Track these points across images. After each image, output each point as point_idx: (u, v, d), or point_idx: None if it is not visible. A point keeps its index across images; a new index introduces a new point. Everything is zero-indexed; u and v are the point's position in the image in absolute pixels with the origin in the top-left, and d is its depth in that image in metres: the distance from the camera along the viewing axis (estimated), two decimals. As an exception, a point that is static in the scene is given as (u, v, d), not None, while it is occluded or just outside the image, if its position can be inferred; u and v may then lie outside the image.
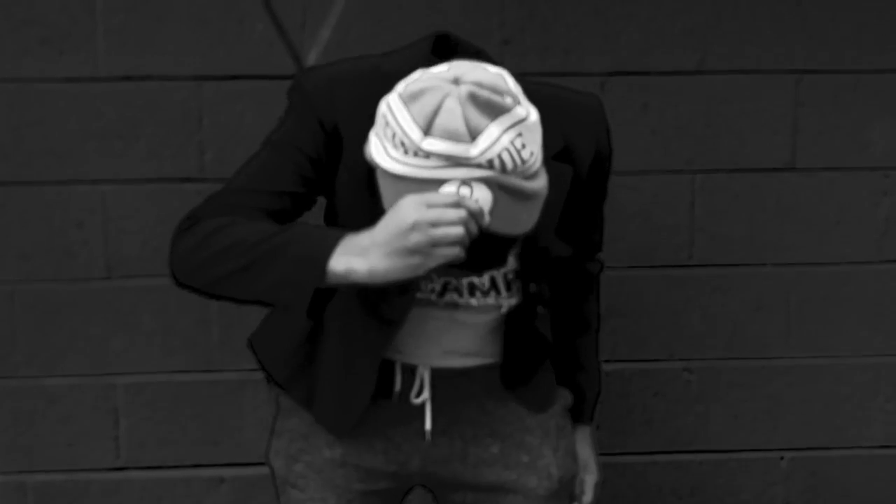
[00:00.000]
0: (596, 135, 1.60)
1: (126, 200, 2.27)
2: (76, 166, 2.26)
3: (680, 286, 2.39)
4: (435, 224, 1.29)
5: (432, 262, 1.31)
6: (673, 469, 2.45)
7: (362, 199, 1.50)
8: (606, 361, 2.40)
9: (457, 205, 1.30)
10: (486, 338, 1.65)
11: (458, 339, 1.62)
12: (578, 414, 1.80)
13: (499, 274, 1.59)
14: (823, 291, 2.42)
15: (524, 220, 1.36)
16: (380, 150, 1.36)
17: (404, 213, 1.30)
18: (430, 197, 1.30)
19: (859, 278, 2.42)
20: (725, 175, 2.36)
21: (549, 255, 1.59)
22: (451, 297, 1.58)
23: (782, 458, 2.47)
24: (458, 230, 1.29)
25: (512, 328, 1.64)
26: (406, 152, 1.33)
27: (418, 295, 1.58)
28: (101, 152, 2.26)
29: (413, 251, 1.30)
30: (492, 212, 1.33)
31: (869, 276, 2.41)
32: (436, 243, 1.29)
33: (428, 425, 1.62)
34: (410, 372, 1.63)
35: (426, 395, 1.62)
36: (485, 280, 1.58)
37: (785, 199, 2.38)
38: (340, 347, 1.59)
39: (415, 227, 1.29)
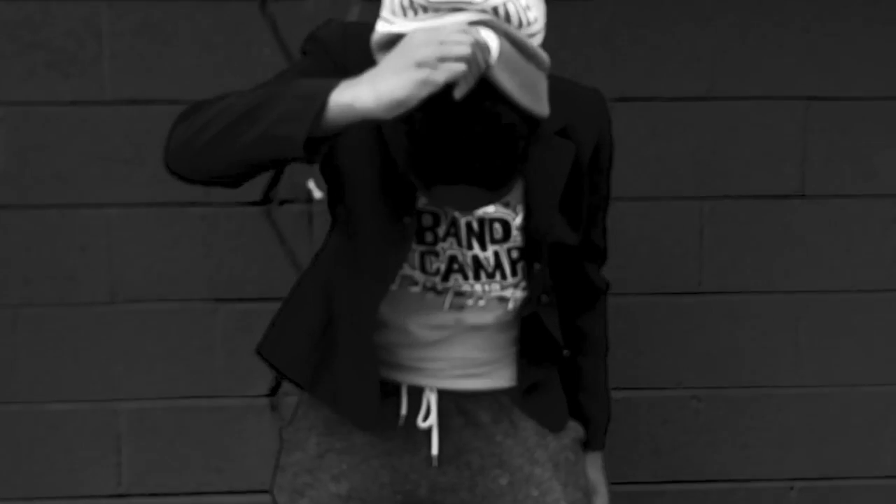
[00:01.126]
0: (598, 123, 1.62)
1: (130, 224, 2.26)
2: (80, 190, 2.25)
3: (688, 313, 2.37)
4: (443, 42, 1.27)
5: (440, 77, 1.26)
6: (682, 499, 2.42)
7: (368, 146, 1.47)
8: (614, 389, 2.37)
9: (464, 31, 1.29)
10: (495, 346, 1.61)
11: (466, 348, 1.59)
12: (589, 440, 1.77)
13: (503, 250, 1.56)
14: (833, 319, 2.40)
15: (530, 86, 1.34)
16: (383, 25, 1.37)
17: (411, 36, 1.30)
18: (437, 25, 1.31)
19: (869, 306, 2.40)
20: (734, 202, 2.35)
21: (552, 230, 1.56)
22: (456, 280, 1.54)
23: (792, 487, 2.44)
24: (465, 48, 1.27)
25: (524, 326, 1.61)
26: (414, 11, 1.34)
27: (421, 280, 1.54)
28: (106, 176, 2.25)
29: (420, 64, 1.26)
30: (497, 59, 1.31)
31: (879, 303, 2.40)
32: (443, 57, 1.26)
33: (434, 450, 1.60)
34: (417, 395, 1.61)
35: (433, 419, 1.59)
36: (489, 255, 1.55)
37: (794, 226, 2.37)
38: (346, 331, 1.57)
39: (423, 43, 1.27)
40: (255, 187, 2.27)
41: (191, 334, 2.30)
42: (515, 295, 1.59)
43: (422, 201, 1.53)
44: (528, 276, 1.58)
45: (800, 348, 2.40)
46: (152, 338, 2.29)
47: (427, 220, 1.54)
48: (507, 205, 1.55)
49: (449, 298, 1.57)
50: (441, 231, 1.55)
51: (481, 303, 1.58)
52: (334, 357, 1.59)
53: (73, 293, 2.27)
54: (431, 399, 1.60)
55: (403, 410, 1.60)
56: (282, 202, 2.27)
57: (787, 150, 2.34)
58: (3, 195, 2.24)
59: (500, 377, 1.64)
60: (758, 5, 2.31)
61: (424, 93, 1.27)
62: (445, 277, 1.56)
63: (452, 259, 1.56)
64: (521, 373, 1.65)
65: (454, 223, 1.55)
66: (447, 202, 1.37)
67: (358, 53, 1.45)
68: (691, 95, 2.32)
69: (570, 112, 1.58)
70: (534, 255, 1.57)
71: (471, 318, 1.58)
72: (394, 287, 1.55)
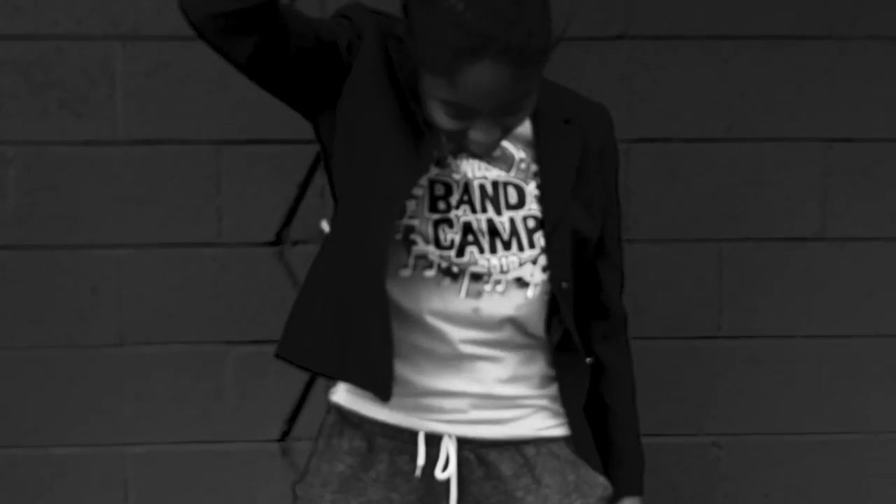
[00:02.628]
0: (603, 126, 1.63)
1: (141, 266, 2.25)
2: (91, 230, 2.24)
3: (708, 358, 2.34)
4: None
5: None
6: (702, 549, 2.38)
7: (383, 88, 1.46)
8: (632, 436, 2.35)
9: None
10: (517, 379, 1.56)
11: (487, 382, 1.53)
12: (626, 485, 1.70)
13: (518, 217, 1.53)
14: (856, 364, 2.37)
15: None
16: None
17: None
18: None
19: (893, 351, 2.37)
20: (753, 244, 2.33)
21: (567, 211, 1.54)
22: (472, 255, 1.50)
23: (815, 538, 2.40)
24: None
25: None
26: None
27: (436, 259, 1.50)
28: (118, 216, 2.24)
29: None
30: None
31: (903, 349, 2.37)
32: None
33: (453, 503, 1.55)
34: (435, 443, 1.56)
35: (452, 469, 1.54)
36: (504, 221, 1.52)
37: (815, 269, 2.35)
38: (356, 286, 1.50)
39: None
40: (268, 228, 2.26)
41: (201, 377, 2.28)
42: (535, 278, 1.54)
43: (433, 170, 1.51)
44: (549, 255, 1.54)
45: (822, 394, 2.37)
46: (161, 381, 2.27)
47: (439, 190, 1.52)
48: (520, 170, 1.55)
49: (465, 284, 1.52)
50: (454, 199, 1.52)
51: (499, 288, 1.53)
52: (350, 331, 1.54)
53: (81, 335, 2.25)
54: (450, 448, 1.55)
55: (421, 460, 1.55)
56: (294, 243, 2.25)
57: (807, 191, 2.33)
58: (12, 235, 2.23)
59: (523, 426, 1.59)
60: (776, 46, 2.31)
61: None
62: (460, 252, 1.51)
63: (467, 228, 1.51)
64: (567, 403, 1.59)
65: (467, 189, 1.52)
66: (470, 87, 1.35)
67: (374, 25, 1.47)
68: (710, 137, 2.31)
69: (577, 108, 1.61)
70: (552, 236, 1.54)
71: (489, 306, 1.52)
72: (407, 273, 1.51)
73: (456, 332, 1.53)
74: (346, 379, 1.57)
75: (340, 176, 1.55)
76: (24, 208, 2.23)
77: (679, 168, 2.31)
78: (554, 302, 1.56)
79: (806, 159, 2.32)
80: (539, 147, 1.56)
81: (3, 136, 2.21)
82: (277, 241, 2.27)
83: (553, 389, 1.61)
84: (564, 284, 1.56)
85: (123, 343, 2.26)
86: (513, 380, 1.57)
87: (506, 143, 1.56)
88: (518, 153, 1.57)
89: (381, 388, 1.49)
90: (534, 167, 1.57)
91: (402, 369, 1.52)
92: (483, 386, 1.55)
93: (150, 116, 2.23)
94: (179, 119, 2.23)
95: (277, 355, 1.60)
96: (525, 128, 1.59)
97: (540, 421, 1.59)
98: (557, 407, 1.60)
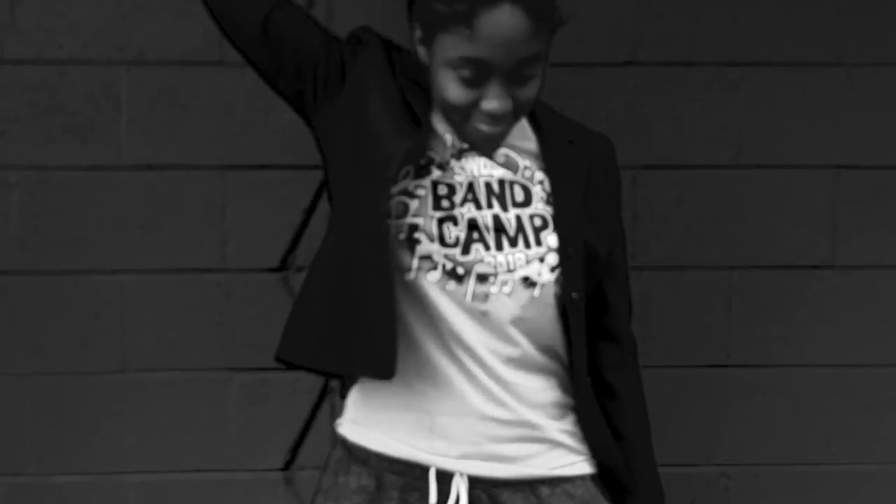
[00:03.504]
0: (606, 154, 1.64)
1: (144, 291, 2.24)
2: (94, 256, 2.23)
3: (717, 387, 2.33)
4: None
5: None
6: (712, 581, 2.35)
7: (389, 83, 1.53)
8: (640, 465, 2.33)
9: None
10: (523, 396, 1.53)
11: (491, 403, 1.50)
12: None
13: (524, 214, 1.52)
14: (866, 394, 2.35)
15: None
16: None
17: None
18: None
19: (904, 381, 2.35)
20: (762, 272, 2.32)
21: (578, 224, 1.55)
22: (477, 253, 1.48)
23: (826, 570, 2.37)
24: None
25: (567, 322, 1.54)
26: None
27: (440, 260, 1.48)
28: (121, 242, 2.23)
29: None
30: None
31: (915, 378, 2.36)
32: None
33: None
34: (446, 482, 1.51)
35: None
36: (511, 217, 1.51)
37: (824, 297, 2.34)
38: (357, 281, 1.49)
39: None
40: (273, 253, 2.25)
41: (204, 404, 2.26)
42: (542, 277, 1.52)
43: (435, 173, 1.51)
44: (562, 262, 1.52)
45: (832, 424, 2.35)
46: (164, 408, 2.26)
47: (443, 190, 1.51)
48: (526, 170, 1.56)
49: (471, 286, 1.50)
50: (458, 198, 1.51)
51: (506, 289, 1.50)
52: (349, 320, 1.51)
53: (84, 361, 2.24)
54: (461, 488, 1.51)
55: (433, 499, 1.51)
56: (299, 269, 2.24)
57: (816, 219, 2.32)
58: (15, 260, 2.22)
59: (538, 464, 1.55)
60: (785, 73, 2.30)
61: None
62: (466, 249, 1.49)
63: (472, 225, 1.50)
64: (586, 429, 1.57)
65: (472, 188, 1.52)
66: (488, 34, 1.42)
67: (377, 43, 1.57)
68: (718, 163, 2.30)
69: (581, 133, 1.64)
70: (567, 240, 1.53)
71: (496, 309, 1.50)
72: (411, 276, 1.49)
73: (464, 343, 1.50)
74: (346, 370, 1.54)
75: (338, 167, 1.56)
76: (27, 233, 2.22)
77: (687, 195, 2.30)
78: (567, 315, 1.54)
79: (815, 186, 2.31)
80: (546, 160, 1.57)
81: (7, 161, 2.21)
82: (282, 266, 2.26)
83: (571, 421, 1.57)
84: (575, 295, 1.53)
85: (126, 369, 2.25)
86: (528, 403, 1.53)
87: (511, 153, 1.57)
88: (523, 161, 1.57)
89: (383, 365, 1.46)
90: (539, 175, 1.57)
91: (407, 388, 1.50)
92: (495, 407, 1.51)
93: (155, 141, 2.23)
94: (184, 144, 2.23)
95: (277, 358, 1.58)
96: (531, 143, 1.59)
97: (556, 458, 1.55)
98: (575, 442, 1.56)
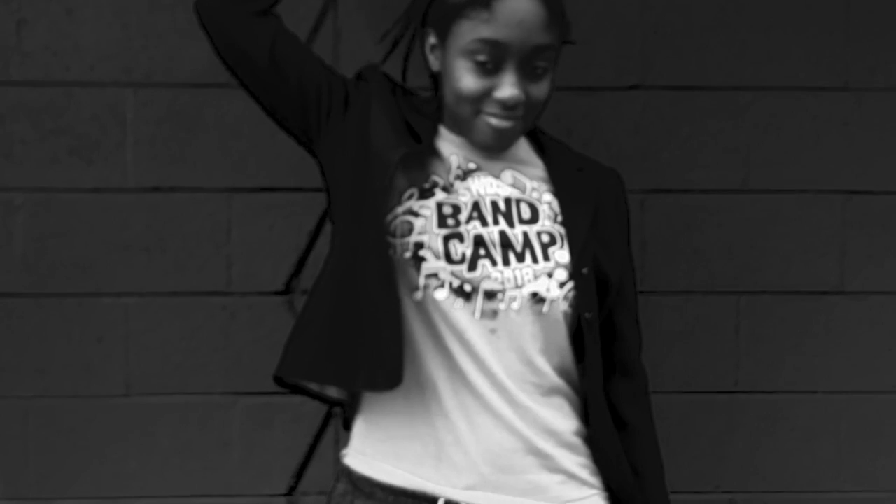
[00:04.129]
0: (616, 187, 1.65)
1: (149, 314, 2.23)
2: (99, 278, 2.22)
3: (725, 413, 2.31)
4: None
5: None
6: None
7: (391, 116, 1.55)
8: (647, 492, 2.31)
9: None
10: (533, 423, 1.50)
11: (503, 432, 1.48)
12: None
13: (532, 231, 1.51)
14: (876, 421, 2.34)
15: None
16: None
17: None
18: None
19: (914, 408, 2.34)
20: (771, 297, 2.31)
21: (588, 248, 1.54)
22: (484, 268, 1.46)
23: None
24: None
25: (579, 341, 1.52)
26: None
27: (447, 277, 1.46)
28: (126, 264, 2.22)
29: None
30: None
31: (925, 405, 2.34)
32: None
33: None
34: None
35: None
36: (517, 233, 1.50)
37: (833, 323, 2.32)
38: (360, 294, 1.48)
39: None
40: (278, 276, 2.24)
41: (207, 429, 2.25)
42: (551, 293, 1.50)
43: (440, 195, 1.51)
44: (575, 280, 1.51)
45: (841, 451, 2.33)
46: (168, 432, 2.24)
47: (447, 209, 1.50)
48: (535, 191, 1.56)
49: (479, 303, 1.48)
50: (463, 216, 1.50)
51: (515, 305, 1.48)
52: (352, 333, 1.49)
53: (87, 385, 2.22)
54: None
55: None
56: (304, 292, 2.22)
57: (825, 244, 2.31)
58: (19, 283, 2.21)
59: (549, 497, 1.51)
60: (793, 97, 2.30)
61: None
62: (472, 265, 1.48)
63: (478, 241, 1.49)
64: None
65: (477, 206, 1.51)
66: (506, 14, 1.48)
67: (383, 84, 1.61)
68: (726, 188, 2.29)
69: (590, 164, 1.65)
70: (580, 258, 1.52)
71: (505, 326, 1.48)
72: (419, 296, 1.47)
73: (475, 363, 1.48)
74: (348, 383, 1.52)
75: (340, 191, 1.56)
76: (32, 256, 2.21)
77: (695, 219, 2.29)
78: (580, 339, 1.52)
79: (824, 211, 2.30)
80: (554, 183, 1.58)
81: (12, 182, 2.20)
82: (287, 290, 2.25)
83: (585, 452, 1.55)
84: (588, 315, 1.52)
85: (129, 393, 2.24)
86: (541, 430, 1.51)
87: (518, 175, 1.57)
88: (531, 183, 1.57)
89: (389, 374, 1.44)
90: (547, 196, 1.57)
91: (413, 415, 1.48)
92: (506, 435, 1.49)
93: (161, 163, 2.22)
94: (190, 166, 2.22)
95: (275, 378, 1.56)
96: (538, 169, 1.59)
97: (568, 491, 1.52)
98: (588, 475, 1.53)
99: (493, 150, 1.56)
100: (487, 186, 1.55)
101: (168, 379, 2.24)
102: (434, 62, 1.57)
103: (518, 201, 1.54)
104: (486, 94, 1.51)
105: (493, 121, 1.52)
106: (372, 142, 1.53)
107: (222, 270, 2.24)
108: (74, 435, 2.23)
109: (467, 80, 1.51)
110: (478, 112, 1.52)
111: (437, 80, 1.63)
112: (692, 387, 2.30)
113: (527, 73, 1.51)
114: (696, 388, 2.30)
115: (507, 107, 1.50)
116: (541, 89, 1.53)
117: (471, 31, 1.50)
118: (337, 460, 1.59)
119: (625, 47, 2.28)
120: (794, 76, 2.30)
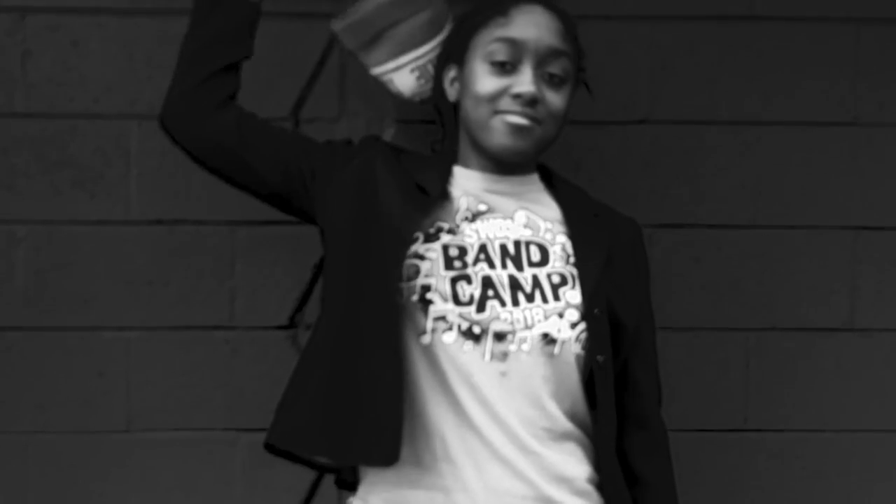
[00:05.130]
0: (634, 237, 1.67)
1: (151, 348, 2.21)
2: (101, 312, 2.20)
3: (734, 452, 2.28)
4: None
5: None
6: None
7: (394, 173, 1.57)
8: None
9: None
10: (546, 468, 1.47)
11: (513, 474, 1.45)
12: None
13: (542, 273, 1.50)
14: (889, 461, 2.30)
15: None
16: None
17: None
18: None
19: (927, 447, 2.30)
20: (780, 334, 2.29)
21: (602, 272, 1.55)
22: (493, 310, 1.43)
23: None
24: None
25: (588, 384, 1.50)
26: None
27: (455, 320, 1.43)
28: (129, 298, 2.20)
29: None
30: None
31: (938, 445, 2.31)
32: None
33: None
34: None
35: None
36: (527, 276, 1.48)
37: (844, 360, 2.30)
38: (357, 369, 1.47)
39: None
40: (281, 311, 2.22)
41: (209, 465, 2.22)
42: (562, 334, 1.47)
43: (445, 238, 1.49)
44: (588, 322, 1.49)
45: (852, 491, 2.30)
46: (169, 468, 2.21)
47: (454, 251, 1.49)
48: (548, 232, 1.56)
49: (489, 345, 1.45)
50: (470, 258, 1.47)
51: (525, 346, 1.45)
52: (349, 403, 1.46)
53: (88, 420, 2.20)
54: None
55: None
56: (308, 326, 2.20)
57: (835, 280, 2.29)
58: (20, 316, 2.19)
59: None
60: (802, 132, 2.28)
61: None
62: (481, 307, 1.45)
63: (487, 282, 1.47)
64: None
65: (484, 249, 1.48)
66: (522, 17, 1.57)
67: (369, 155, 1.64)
68: (735, 223, 2.27)
69: (607, 211, 1.67)
70: (591, 306, 1.49)
71: (516, 368, 1.45)
72: (426, 339, 1.45)
73: (484, 407, 1.45)
74: (343, 459, 1.50)
75: (340, 251, 1.55)
76: (33, 288, 2.19)
77: (703, 255, 2.27)
78: (593, 386, 1.50)
79: (834, 247, 2.28)
80: (569, 225, 1.59)
81: (15, 215, 2.19)
82: (291, 324, 2.23)
83: (596, 499, 1.52)
84: (601, 358, 1.50)
85: (130, 429, 2.21)
86: (550, 477, 1.47)
87: (532, 215, 1.58)
88: (545, 224, 1.56)
89: (386, 450, 1.41)
90: (561, 238, 1.57)
91: (418, 464, 1.45)
92: (515, 482, 1.46)
93: (165, 196, 2.21)
94: (194, 199, 2.21)
95: (266, 444, 1.54)
96: (553, 211, 1.57)
97: None
98: None
99: (511, 153, 1.55)
100: (497, 230, 1.53)
101: (170, 414, 2.21)
102: (452, 92, 1.59)
103: (528, 244, 1.52)
104: (503, 92, 1.55)
105: (510, 117, 1.54)
106: (381, 203, 1.53)
107: (225, 304, 2.22)
108: (74, 471, 2.20)
109: (485, 80, 1.56)
110: (495, 112, 1.53)
111: (442, 118, 1.64)
112: (700, 425, 2.27)
113: (543, 78, 1.56)
114: (705, 426, 2.27)
115: (524, 102, 1.51)
116: (558, 98, 1.58)
117: (488, 34, 1.58)
118: (339, 499, 1.56)
119: (632, 82, 2.26)
120: (803, 111, 2.28)
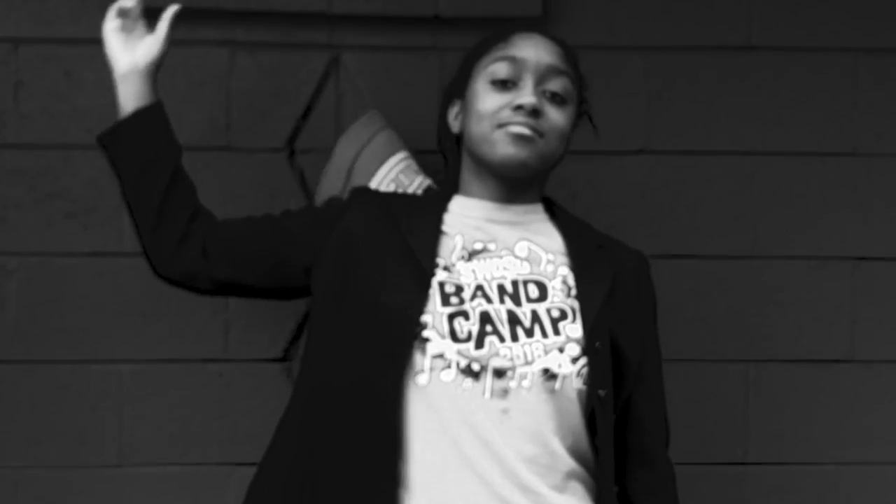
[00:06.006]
0: (640, 269, 1.66)
1: (143, 381, 2.18)
2: (93, 345, 2.18)
3: (735, 486, 2.26)
4: None
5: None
6: None
7: (382, 229, 1.56)
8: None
9: None
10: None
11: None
12: None
13: (541, 308, 1.47)
14: (888, 494, 2.28)
15: None
16: None
17: None
18: None
19: (929, 480, 2.28)
20: (780, 366, 2.27)
21: (604, 304, 1.52)
22: (492, 346, 1.41)
23: None
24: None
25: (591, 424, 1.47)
26: None
27: (454, 357, 1.41)
28: (121, 330, 2.18)
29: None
30: None
31: (941, 478, 2.28)
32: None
33: None
34: None
35: None
36: (526, 311, 1.46)
37: (845, 392, 2.28)
38: (344, 459, 1.45)
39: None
40: (276, 343, 2.20)
41: (203, 500, 2.19)
42: (563, 369, 1.44)
43: (441, 275, 1.48)
44: (589, 356, 1.47)
45: (854, 525, 2.27)
46: (162, 503, 2.18)
47: (450, 288, 1.47)
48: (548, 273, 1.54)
49: (488, 382, 1.42)
50: (466, 294, 1.46)
51: (525, 383, 1.43)
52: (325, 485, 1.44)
53: (79, 455, 2.17)
54: None
55: None
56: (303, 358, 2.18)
57: (835, 311, 2.27)
58: (11, 350, 2.17)
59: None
60: (801, 163, 2.27)
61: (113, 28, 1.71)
62: (479, 343, 1.42)
63: (485, 318, 1.44)
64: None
65: (481, 288, 1.47)
66: (522, 39, 1.61)
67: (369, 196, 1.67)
68: (734, 254, 2.26)
69: (613, 243, 1.66)
70: (592, 340, 1.47)
71: (517, 405, 1.42)
72: (424, 380, 1.42)
73: (484, 447, 1.42)
74: None
75: (329, 313, 1.53)
76: (25, 321, 2.17)
77: (702, 286, 2.26)
78: (594, 421, 1.47)
79: (834, 278, 2.27)
80: (571, 257, 1.58)
81: (7, 247, 2.17)
82: (285, 357, 2.21)
83: None
84: (602, 392, 1.47)
85: (123, 463, 2.18)
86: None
87: (534, 247, 1.56)
88: (546, 255, 1.54)
89: None
90: (563, 270, 1.55)
91: (418, 502, 1.42)
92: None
93: (158, 228, 2.19)
94: (188, 231, 2.19)
95: None
96: (556, 242, 1.56)
97: None
98: None
99: (514, 164, 1.54)
100: (493, 270, 1.51)
101: (162, 449, 2.18)
102: (456, 125, 1.61)
103: (525, 283, 1.50)
104: (504, 107, 1.56)
105: (512, 128, 1.54)
106: (369, 278, 1.53)
107: (219, 337, 2.20)
108: (65, 506, 2.17)
109: (487, 98, 1.58)
110: (497, 125, 1.54)
111: (446, 155, 1.65)
112: (700, 458, 2.24)
113: (545, 95, 1.58)
114: (704, 460, 2.25)
115: (526, 112, 1.52)
116: (559, 115, 1.59)
117: (490, 58, 1.60)
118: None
119: (629, 111, 2.26)
120: (802, 141, 2.27)
